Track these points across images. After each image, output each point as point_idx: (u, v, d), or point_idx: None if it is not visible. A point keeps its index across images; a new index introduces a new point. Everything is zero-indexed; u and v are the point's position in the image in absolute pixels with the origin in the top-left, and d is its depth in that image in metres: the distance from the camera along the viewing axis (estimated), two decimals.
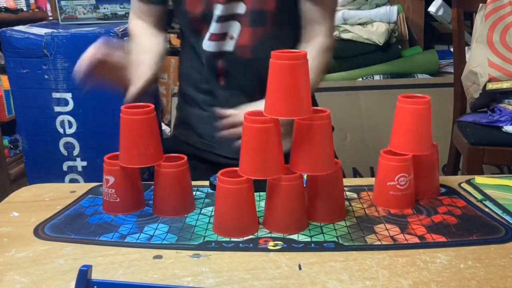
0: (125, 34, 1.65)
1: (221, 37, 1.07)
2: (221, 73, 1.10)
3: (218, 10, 1.06)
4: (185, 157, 0.87)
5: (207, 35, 1.08)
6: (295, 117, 0.78)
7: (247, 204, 0.79)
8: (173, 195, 0.86)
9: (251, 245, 0.75)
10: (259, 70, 0.98)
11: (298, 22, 1.09)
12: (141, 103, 0.88)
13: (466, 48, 1.86)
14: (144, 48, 1.08)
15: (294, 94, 0.76)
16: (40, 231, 0.81)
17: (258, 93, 0.98)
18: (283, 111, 0.77)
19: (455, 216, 0.83)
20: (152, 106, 0.86)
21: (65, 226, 0.83)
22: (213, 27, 1.07)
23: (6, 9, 2.80)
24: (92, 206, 0.91)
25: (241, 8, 1.05)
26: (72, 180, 1.71)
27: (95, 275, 0.58)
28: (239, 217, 0.78)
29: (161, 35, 1.15)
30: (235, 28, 1.07)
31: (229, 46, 1.07)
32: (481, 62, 1.60)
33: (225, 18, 1.06)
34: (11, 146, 2.64)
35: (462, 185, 0.96)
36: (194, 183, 1.00)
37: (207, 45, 1.08)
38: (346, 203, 0.90)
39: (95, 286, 0.56)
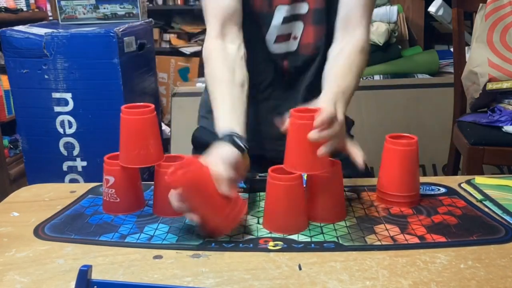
0: (125, 34, 1.66)
1: (286, 37, 1.09)
2: (285, 72, 1.10)
3: (283, 11, 1.06)
4: (185, 157, 0.87)
5: (272, 38, 1.08)
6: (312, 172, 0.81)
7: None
8: None
9: (251, 245, 0.75)
10: (318, 66, 1.06)
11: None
12: (141, 103, 0.88)
13: (466, 48, 1.86)
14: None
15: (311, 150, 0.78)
16: (40, 231, 0.81)
17: (315, 89, 0.99)
18: (300, 167, 0.80)
19: (455, 216, 0.83)
20: (152, 106, 0.86)
21: (65, 226, 0.83)
22: (278, 29, 1.07)
23: (6, 9, 2.80)
24: (92, 206, 0.91)
25: (304, 8, 1.07)
26: (72, 180, 1.71)
27: (95, 275, 0.58)
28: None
29: (244, 67, 1.01)
30: (299, 28, 1.08)
31: (293, 45, 1.09)
32: (481, 62, 1.60)
33: (289, 19, 1.07)
34: (11, 146, 2.64)
35: (462, 185, 0.96)
36: None
37: (274, 47, 1.08)
38: (346, 203, 0.90)
39: (95, 286, 0.56)
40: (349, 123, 1.22)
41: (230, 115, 0.90)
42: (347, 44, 1.03)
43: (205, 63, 1.01)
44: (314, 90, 1.00)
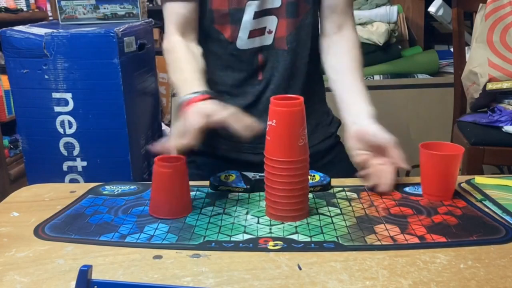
0: (125, 34, 1.65)
1: (260, 32, 1.10)
2: (260, 68, 1.12)
3: (254, 6, 1.07)
4: (183, 158, 0.86)
5: (245, 33, 1.09)
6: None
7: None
8: (168, 196, 0.85)
9: (251, 245, 0.75)
10: (293, 61, 1.10)
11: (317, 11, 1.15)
12: (173, 155, 0.86)
13: (466, 48, 1.86)
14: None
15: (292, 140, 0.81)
16: (40, 231, 0.81)
17: (293, 85, 1.10)
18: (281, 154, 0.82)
19: (455, 217, 0.83)
20: (184, 158, 0.85)
21: (65, 226, 0.83)
22: (251, 24, 1.08)
23: (6, 9, 2.80)
24: (92, 206, 0.91)
25: (277, 2, 1.08)
26: (72, 180, 1.71)
27: (95, 275, 0.58)
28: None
29: (199, 49, 1.10)
30: (273, 22, 1.10)
31: (268, 39, 1.10)
32: (481, 62, 1.60)
33: (262, 14, 1.08)
34: (11, 146, 2.65)
35: (462, 185, 0.96)
36: (194, 183, 1.00)
37: (246, 43, 1.09)
38: (346, 203, 0.90)
39: (95, 286, 0.56)
40: (335, 122, 1.23)
41: (196, 80, 0.99)
42: (345, 42, 1.12)
43: (169, 53, 1.08)
44: (289, 83, 1.10)
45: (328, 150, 1.19)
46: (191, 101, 0.91)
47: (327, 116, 1.22)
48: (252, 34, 1.09)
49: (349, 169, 1.11)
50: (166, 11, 1.12)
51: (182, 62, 1.04)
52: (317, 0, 1.13)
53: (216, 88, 1.07)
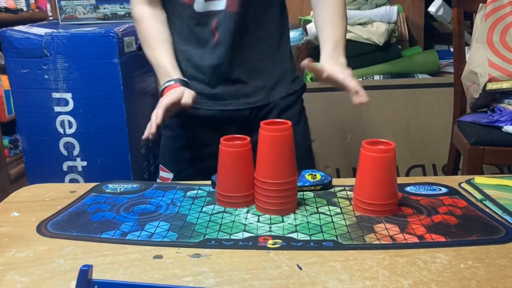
0: (125, 34, 1.65)
1: None
2: (214, 31, 1.16)
3: None
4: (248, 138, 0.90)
5: None
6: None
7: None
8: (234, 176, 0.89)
9: (250, 243, 0.75)
10: (245, 23, 1.15)
11: None
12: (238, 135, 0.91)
13: (466, 48, 1.86)
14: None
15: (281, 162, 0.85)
16: (43, 228, 0.82)
17: (245, 45, 1.17)
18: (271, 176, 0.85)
19: (456, 216, 0.83)
20: (248, 138, 0.89)
21: (67, 224, 0.83)
22: None
23: (6, 9, 2.80)
24: (94, 204, 0.91)
25: None
26: (72, 180, 1.71)
27: (95, 275, 0.58)
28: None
29: (166, 20, 1.22)
30: None
31: (220, 5, 1.15)
32: (481, 62, 1.60)
33: None
34: (11, 146, 2.64)
35: (462, 185, 0.96)
36: (196, 182, 1.00)
37: (202, 6, 1.15)
38: (347, 202, 0.90)
39: (96, 286, 0.56)
40: (299, 81, 1.28)
41: (170, 66, 1.16)
42: (326, 9, 1.17)
43: (138, 24, 1.21)
44: (241, 47, 1.17)
45: (288, 107, 1.23)
46: (166, 89, 1.11)
47: (291, 73, 1.26)
48: None
49: (305, 134, 1.27)
50: None
51: (155, 39, 1.19)
52: None
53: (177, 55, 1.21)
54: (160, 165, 1.27)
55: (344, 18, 1.18)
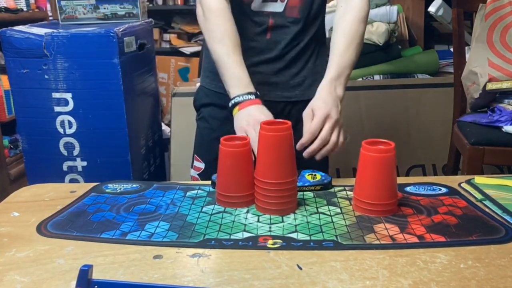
0: (125, 34, 1.66)
1: None
2: (270, 29, 1.18)
3: None
4: (247, 138, 0.91)
5: None
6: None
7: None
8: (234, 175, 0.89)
9: (250, 243, 0.75)
10: (299, 29, 1.18)
11: None
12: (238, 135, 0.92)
13: (466, 48, 1.86)
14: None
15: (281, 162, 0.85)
16: (42, 228, 0.82)
17: (292, 50, 1.19)
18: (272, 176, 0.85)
19: (456, 216, 0.83)
20: (248, 138, 0.90)
21: (67, 224, 0.83)
22: None
23: (6, 9, 2.80)
24: (94, 204, 0.91)
25: None
26: (72, 180, 1.71)
27: (95, 275, 0.58)
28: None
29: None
30: None
31: (279, 7, 1.17)
32: (481, 62, 1.60)
33: None
34: (11, 146, 2.64)
35: (462, 185, 0.96)
36: (195, 182, 1.00)
37: (260, 5, 1.16)
38: (347, 202, 0.90)
39: (96, 286, 0.56)
40: None
41: (247, 77, 1.08)
42: (348, 13, 1.15)
43: (216, 14, 1.11)
44: (291, 50, 1.19)
45: None
46: (244, 104, 1.04)
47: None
48: None
49: None
50: None
51: (230, 39, 1.10)
52: None
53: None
54: (195, 154, 1.29)
55: (359, 46, 1.14)
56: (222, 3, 1.12)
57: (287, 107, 1.22)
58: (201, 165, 1.26)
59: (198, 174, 1.26)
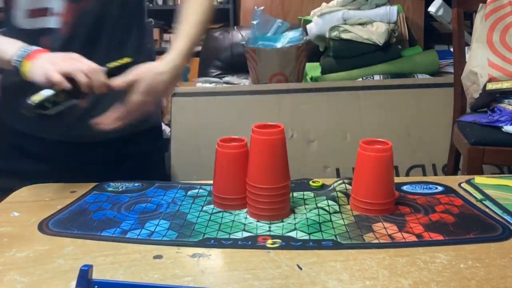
0: None
1: (42, 13, 1.02)
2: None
3: None
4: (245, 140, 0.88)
5: (24, 12, 1.02)
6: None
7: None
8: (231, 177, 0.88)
9: (249, 242, 0.75)
10: (81, 46, 1.01)
11: None
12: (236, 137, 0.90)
13: (466, 48, 1.86)
14: None
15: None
16: (44, 226, 0.82)
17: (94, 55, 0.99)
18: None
19: (453, 215, 0.83)
20: (245, 140, 0.88)
21: (69, 222, 0.84)
22: (28, 2, 1.01)
23: None
24: (96, 203, 0.92)
25: None
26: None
27: (95, 275, 0.58)
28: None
29: None
30: (57, 4, 1.02)
31: (53, 22, 1.02)
32: (481, 62, 1.60)
33: None
34: None
35: (462, 185, 0.96)
36: (197, 181, 1.00)
37: (26, 22, 1.02)
38: (345, 199, 0.89)
39: (96, 286, 0.56)
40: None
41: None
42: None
43: None
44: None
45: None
46: (34, 53, 0.93)
47: None
48: (32, 13, 1.02)
49: None
50: None
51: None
52: None
53: None
54: None
55: (207, 11, 1.05)
56: None
57: None
58: None
59: None
